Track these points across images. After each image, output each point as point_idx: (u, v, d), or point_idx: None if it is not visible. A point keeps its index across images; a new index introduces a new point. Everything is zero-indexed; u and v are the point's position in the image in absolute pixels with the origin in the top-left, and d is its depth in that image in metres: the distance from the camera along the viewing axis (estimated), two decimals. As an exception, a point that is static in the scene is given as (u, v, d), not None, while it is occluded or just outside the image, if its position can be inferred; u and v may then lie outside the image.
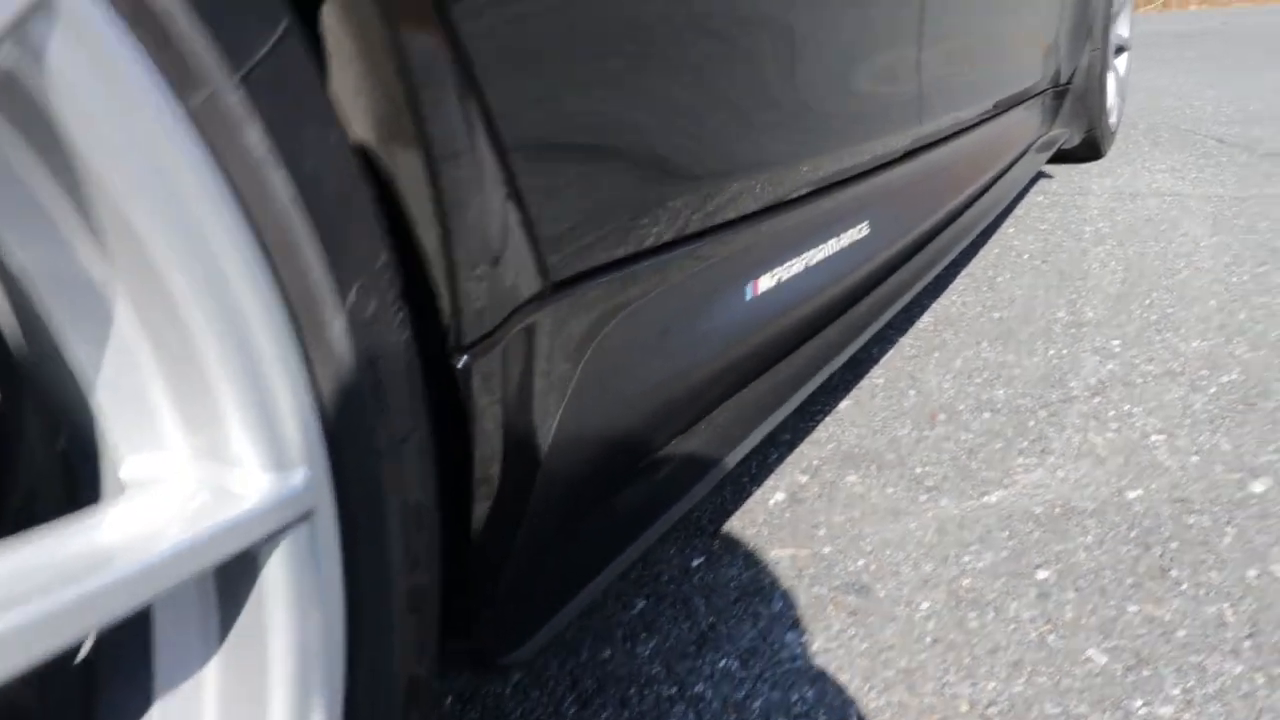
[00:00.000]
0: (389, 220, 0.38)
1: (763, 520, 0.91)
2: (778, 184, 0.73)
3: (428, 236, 0.41)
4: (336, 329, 0.34)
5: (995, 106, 1.47)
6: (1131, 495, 0.90)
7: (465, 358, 0.43)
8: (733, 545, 0.87)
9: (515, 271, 0.47)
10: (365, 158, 0.39)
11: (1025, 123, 1.74)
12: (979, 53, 1.34)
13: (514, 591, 0.52)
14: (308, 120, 0.32)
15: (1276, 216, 1.79)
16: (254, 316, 0.30)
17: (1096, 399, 1.10)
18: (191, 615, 0.33)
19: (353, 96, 0.38)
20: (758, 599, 0.78)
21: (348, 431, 0.35)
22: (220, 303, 0.29)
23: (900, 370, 1.23)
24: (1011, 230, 1.86)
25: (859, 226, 0.91)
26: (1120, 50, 2.58)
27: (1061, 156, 2.37)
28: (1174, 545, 0.81)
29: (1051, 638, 0.71)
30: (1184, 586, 0.76)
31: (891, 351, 1.29)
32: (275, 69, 0.31)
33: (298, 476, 0.32)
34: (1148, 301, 1.40)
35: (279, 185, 0.31)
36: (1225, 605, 0.73)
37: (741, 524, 0.90)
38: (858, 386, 1.18)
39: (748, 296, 0.73)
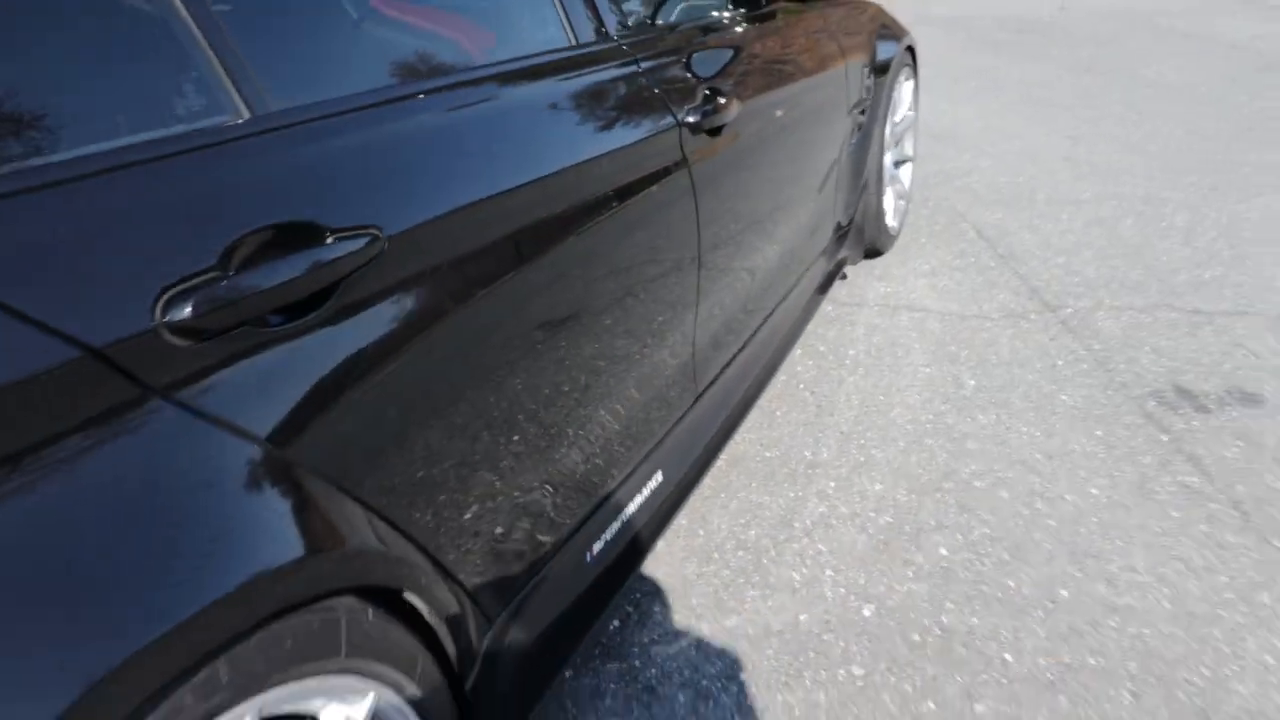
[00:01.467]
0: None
1: (604, 640, 1.64)
2: (584, 494, 1.42)
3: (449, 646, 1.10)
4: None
5: (777, 302, 2.18)
6: (803, 618, 1.67)
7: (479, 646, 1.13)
8: (584, 662, 1.60)
9: (475, 633, 1.16)
10: None
11: (809, 282, 2.46)
12: (755, 279, 2.02)
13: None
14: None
15: (977, 344, 2.59)
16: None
17: (805, 539, 1.87)
18: None
19: None
20: (594, 696, 1.52)
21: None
22: None
23: (696, 511, 1.97)
24: (799, 352, 2.61)
25: (654, 478, 1.62)
26: (903, 162, 3.33)
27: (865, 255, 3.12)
28: (812, 655, 1.58)
29: None
30: (800, 692, 1.53)
31: (695, 491, 2.02)
32: None
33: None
34: (862, 443, 2.17)
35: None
36: (821, 694, 1.50)
37: (590, 646, 1.63)
38: (669, 528, 1.92)
39: (588, 560, 1.43)
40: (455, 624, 1.10)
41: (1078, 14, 8.58)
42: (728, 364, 1.91)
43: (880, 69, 2.75)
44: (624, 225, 1.37)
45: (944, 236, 3.39)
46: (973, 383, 2.41)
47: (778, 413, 2.32)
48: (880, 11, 2.96)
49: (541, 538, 1.30)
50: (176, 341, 0.75)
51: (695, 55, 1.71)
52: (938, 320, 2.76)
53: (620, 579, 1.51)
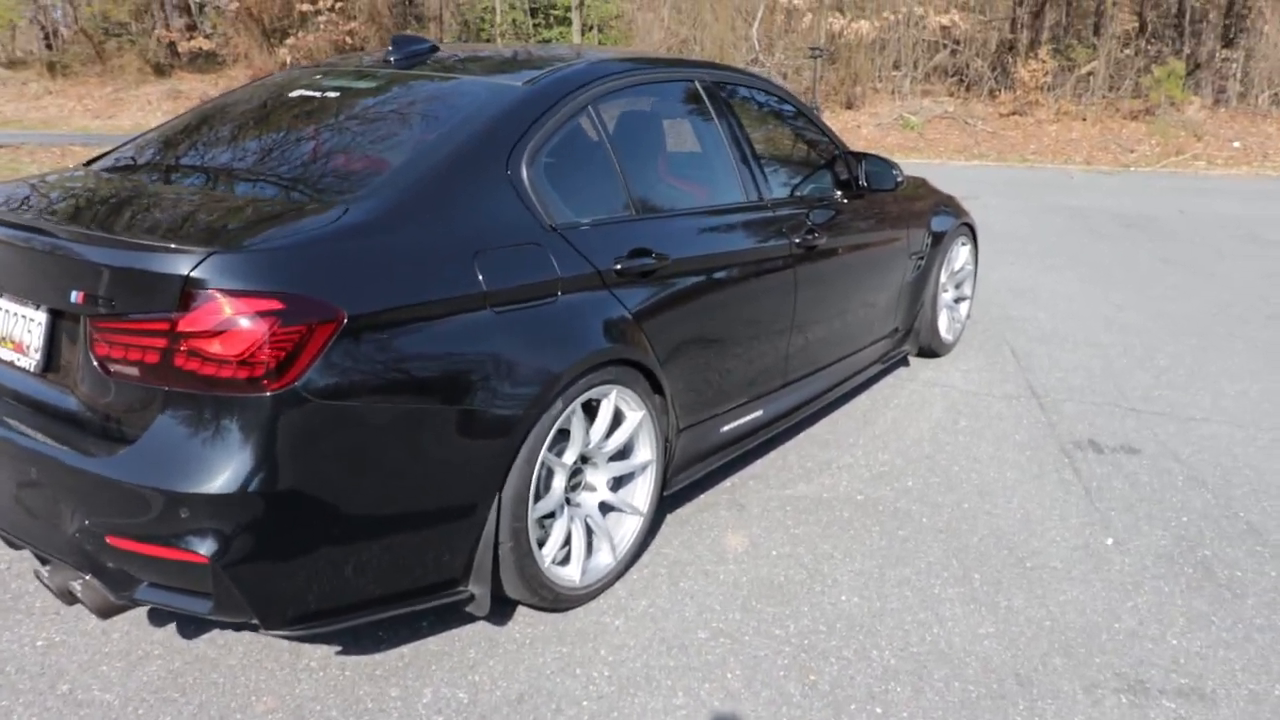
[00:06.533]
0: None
1: (714, 479, 3.26)
2: (725, 400, 3.07)
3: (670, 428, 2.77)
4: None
5: (841, 356, 3.80)
6: (825, 495, 3.23)
7: (673, 437, 2.79)
8: (701, 487, 3.22)
9: (674, 426, 2.82)
10: None
11: (869, 353, 4.06)
12: (825, 336, 3.64)
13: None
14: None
15: (978, 407, 4.10)
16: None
17: (836, 469, 3.44)
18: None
19: None
20: (702, 509, 3.14)
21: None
22: (648, 436, 2.68)
23: (777, 448, 3.57)
24: (862, 396, 4.19)
25: (757, 411, 3.25)
26: (961, 299, 4.91)
27: (921, 354, 4.69)
28: (823, 510, 3.14)
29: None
30: (804, 529, 3.09)
31: (776, 429, 3.63)
32: None
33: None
34: (885, 439, 3.72)
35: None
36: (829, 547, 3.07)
37: (706, 479, 3.25)
38: (760, 443, 3.53)
39: (720, 430, 3.07)
40: (666, 412, 2.77)
41: (1196, 217, 9.85)
42: (804, 376, 3.54)
43: (937, 233, 4.41)
44: (757, 284, 3.09)
45: (987, 351, 4.91)
46: (965, 423, 3.93)
47: (838, 420, 3.92)
48: (947, 199, 4.66)
49: (702, 411, 2.96)
50: (616, 275, 2.50)
51: (811, 211, 3.44)
52: (959, 393, 4.29)
53: (731, 449, 3.15)
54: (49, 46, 24.02)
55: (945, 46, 19.12)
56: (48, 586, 2.06)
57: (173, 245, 1.86)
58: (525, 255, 2.30)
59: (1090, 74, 17.68)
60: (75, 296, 1.92)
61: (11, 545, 2.21)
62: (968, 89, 18.78)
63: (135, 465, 1.87)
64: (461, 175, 2.27)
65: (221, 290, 1.82)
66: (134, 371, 1.89)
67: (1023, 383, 4.45)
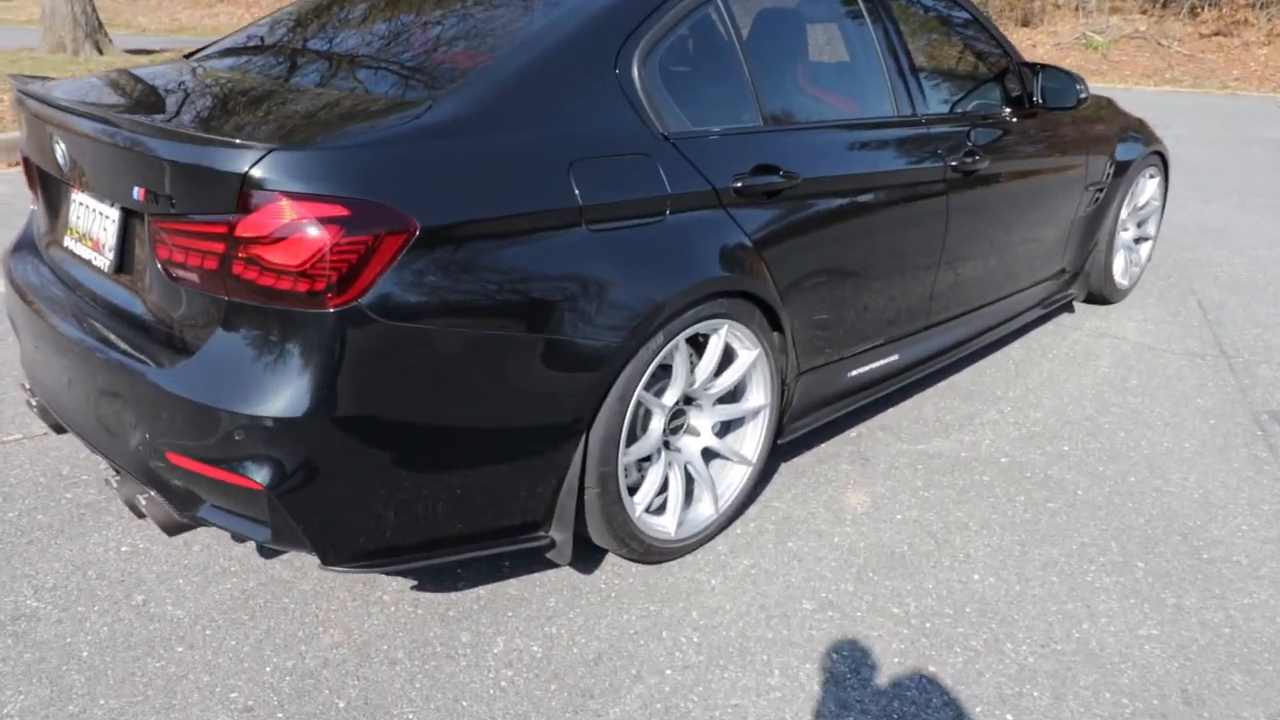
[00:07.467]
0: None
1: (838, 428, 2.94)
2: (855, 341, 2.72)
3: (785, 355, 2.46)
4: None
5: (995, 298, 3.36)
6: (963, 455, 2.86)
7: (791, 380, 2.49)
8: (827, 433, 2.90)
9: (794, 367, 2.52)
10: None
11: (1029, 296, 3.59)
12: (977, 275, 3.20)
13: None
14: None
15: (1154, 364, 3.58)
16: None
17: (979, 424, 3.04)
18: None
19: None
20: (822, 460, 2.82)
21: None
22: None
23: (913, 397, 3.20)
24: (1016, 345, 3.73)
25: (892, 356, 2.89)
26: (1143, 240, 4.30)
27: (1090, 299, 4.15)
28: (974, 461, 2.78)
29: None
30: (962, 478, 2.73)
31: (912, 377, 3.25)
32: None
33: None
34: (1039, 394, 3.29)
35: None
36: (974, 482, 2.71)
37: (827, 429, 2.93)
38: (890, 391, 3.17)
39: (848, 374, 2.74)
40: (785, 352, 2.46)
41: None
42: (951, 318, 3.13)
43: (1122, 162, 3.82)
44: (902, 211, 2.69)
45: (1168, 300, 4.31)
46: (1136, 382, 3.43)
47: (986, 370, 3.50)
48: (1136, 124, 4.03)
49: (827, 353, 2.63)
50: (735, 193, 2.19)
51: (973, 129, 3.00)
52: (1130, 346, 3.77)
53: (858, 396, 2.81)
54: (222, -44, 24.84)
55: (1142, -44, 17.17)
56: (119, 496, 1.99)
57: (234, 140, 1.67)
58: (630, 167, 2.02)
59: (1315, -11, 15.51)
60: (137, 193, 1.77)
61: (93, 451, 2.15)
62: (1164, 6, 16.84)
63: (191, 380, 1.73)
64: (561, 73, 1.99)
65: (282, 192, 1.63)
66: (194, 278, 1.74)
67: (1209, 338, 3.87)
